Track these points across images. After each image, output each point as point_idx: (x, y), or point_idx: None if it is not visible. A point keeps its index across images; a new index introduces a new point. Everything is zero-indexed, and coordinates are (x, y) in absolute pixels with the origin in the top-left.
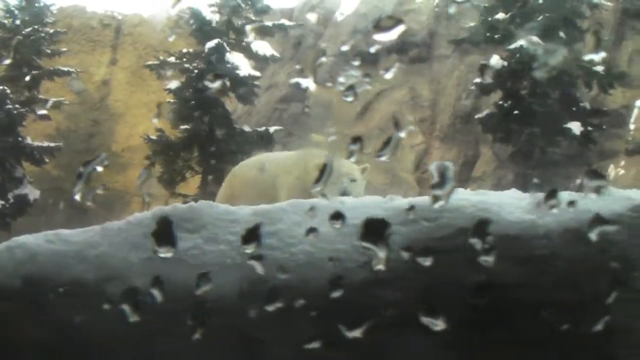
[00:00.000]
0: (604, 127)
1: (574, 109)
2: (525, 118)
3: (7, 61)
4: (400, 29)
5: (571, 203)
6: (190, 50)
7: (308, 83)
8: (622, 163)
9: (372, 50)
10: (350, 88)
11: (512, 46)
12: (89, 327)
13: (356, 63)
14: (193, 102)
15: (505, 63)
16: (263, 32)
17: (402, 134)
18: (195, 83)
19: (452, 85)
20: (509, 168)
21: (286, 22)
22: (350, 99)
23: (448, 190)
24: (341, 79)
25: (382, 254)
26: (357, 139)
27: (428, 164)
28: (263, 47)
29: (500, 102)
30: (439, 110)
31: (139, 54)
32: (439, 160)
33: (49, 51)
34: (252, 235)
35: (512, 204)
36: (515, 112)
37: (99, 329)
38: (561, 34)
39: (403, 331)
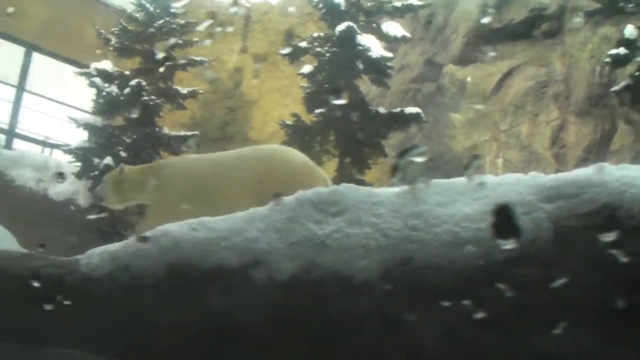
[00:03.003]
0: None
1: None
2: None
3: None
4: None
5: None
6: (321, 34)
7: None
8: None
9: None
10: None
11: None
12: (235, 313)
13: None
14: (327, 85)
15: None
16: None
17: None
18: (328, 66)
19: (586, 58)
20: None
21: (415, 2)
22: None
23: None
24: None
25: None
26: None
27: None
28: (394, 28)
29: (637, 74)
30: (573, 84)
31: (270, 41)
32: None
33: (181, 42)
34: (611, 221)
35: None
36: None
37: (245, 314)
38: None
39: (547, 310)
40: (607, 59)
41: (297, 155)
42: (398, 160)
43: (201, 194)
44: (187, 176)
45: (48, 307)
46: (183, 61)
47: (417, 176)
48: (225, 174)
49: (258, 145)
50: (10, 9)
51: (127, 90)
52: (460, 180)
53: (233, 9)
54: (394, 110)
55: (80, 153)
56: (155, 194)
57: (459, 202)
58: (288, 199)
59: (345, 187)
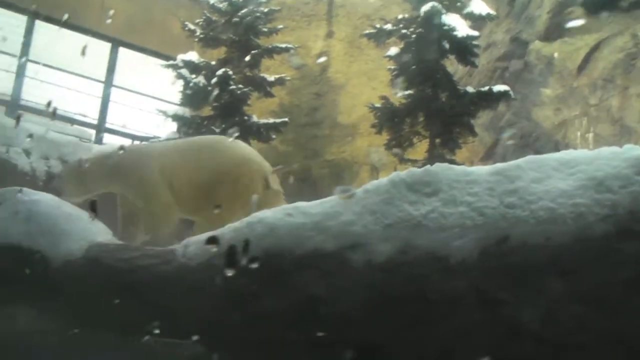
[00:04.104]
0: None
1: None
2: None
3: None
4: None
5: None
6: (406, 15)
7: None
8: None
9: None
10: None
11: None
12: (332, 297)
13: None
14: (414, 67)
15: None
16: None
17: None
18: (414, 48)
19: None
20: None
21: None
22: None
23: None
24: None
25: None
26: None
27: None
28: (478, 6)
29: None
30: None
31: (354, 25)
32: None
33: (265, 30)
34: None
35: None
36: None
37: (343, 298)
38: None
39: None
40: None
41: (242, 147)
42: None
43: (161, 178)
44: (147, 162)
45: (144, 297)
46: (269, 46)
47: None
48: (183, 160)
49: (208, 136)
50: (111, 12)
51: (214, 80)
52: (554, 155)
53: None
54: (482, 89)
55: None
56: (122, 182)
57: (553, 178)
58: (381, 181)
59: (439, 167)
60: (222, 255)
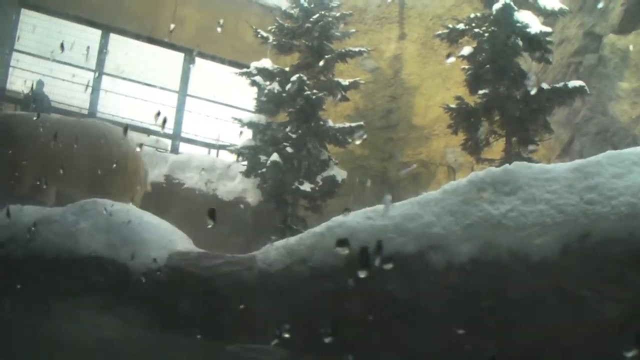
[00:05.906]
0: None
1: None
2: None
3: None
4: None
5: None
6: (478, 14)
7: None
8: None
9: None
10: None
11: None
12: (415, 298)
13: None
14: (488, 65)
15: None
16: None
17: None
18: (488, 46)
19: None
20: None
21: None
22: None
23: None
24: None
25: None
26: None
27: None
28: (551, 2)
29: None
30: None
31: (427, 25)
32: None
33: (337, 34)
34: None
35: None
36: None
37: (425, 299)
38: None
39: None
40: None
41: (115, 133)
42: None
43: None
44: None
45: (227, 304)
46: (343, 50)
47: None
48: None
49: (88, 119)
50: (172, 25)
51: (288, 86)
52: (635, 150)
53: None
54: (556, 85)
55: (246, 152)
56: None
57: (634, 173)
58: (460, 181)
59: (518, 166)
60: (302, 261)
